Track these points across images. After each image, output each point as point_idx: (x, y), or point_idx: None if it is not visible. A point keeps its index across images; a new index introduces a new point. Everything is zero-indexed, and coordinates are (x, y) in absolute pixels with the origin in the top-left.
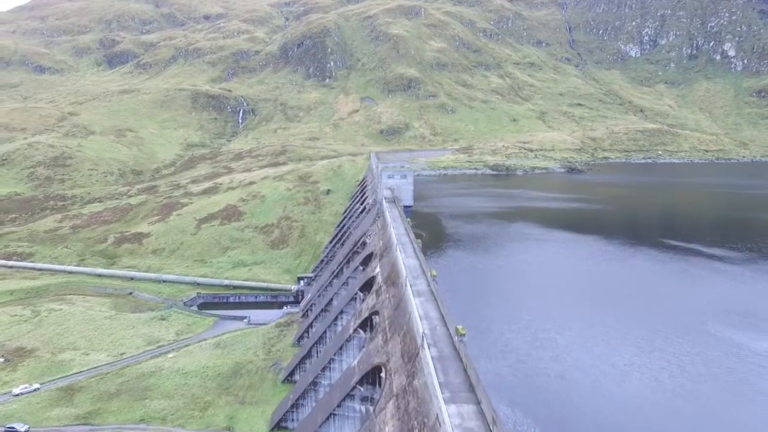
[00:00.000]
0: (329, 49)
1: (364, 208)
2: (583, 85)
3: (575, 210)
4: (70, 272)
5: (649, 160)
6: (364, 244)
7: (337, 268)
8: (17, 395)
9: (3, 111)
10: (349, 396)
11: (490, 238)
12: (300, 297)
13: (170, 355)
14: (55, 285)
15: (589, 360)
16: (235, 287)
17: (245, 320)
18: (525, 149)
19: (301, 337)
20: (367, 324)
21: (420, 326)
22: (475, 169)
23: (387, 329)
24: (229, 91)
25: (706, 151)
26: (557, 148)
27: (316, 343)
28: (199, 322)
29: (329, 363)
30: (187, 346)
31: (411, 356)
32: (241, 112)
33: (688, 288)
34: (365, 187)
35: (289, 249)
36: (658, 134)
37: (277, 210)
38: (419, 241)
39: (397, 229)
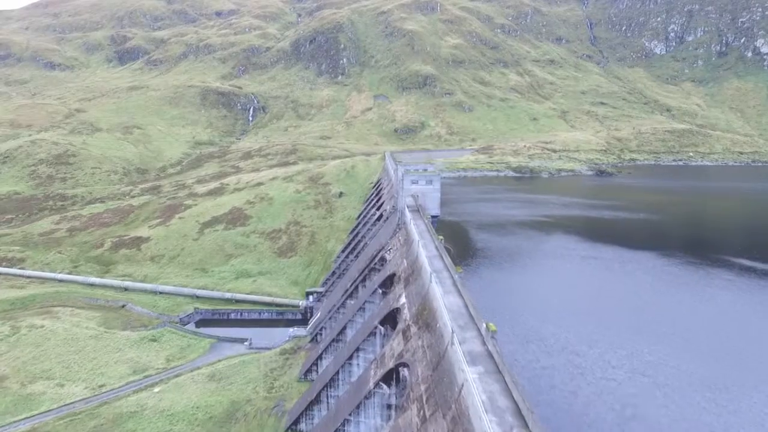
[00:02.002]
0: (342, 46)
1: (381, 215)
2: (605, 83)
3: (618, 220)
4: (61, 281)
5: (680, 163)
6: (383, 260)
7: (350, 286)
8: None
9: (11, 107)
10: None
11: (529, 256)
12: (309, 314)
13: (156, 389)
14: (42, 295)
15: None
16: (237, 301)
17: (246, 343)
18: (548, 150)
19: (309, 371)
20: (392, 377)
21: (487, 426)
22: (497, 170)
23: (424, 400)
24: (240, 88)
25: (741, 153)
26: (581, 148)
27: (326, 386)
28: (194, 345)
29: (343, 425)
30: (177, 376)
31: None
32: (252, 109)
33: None
34: (381, 189)
35: (297, 257)
36: (687, 135)
37: (286, 214)
38: (461, 270)
39: (426, 248)
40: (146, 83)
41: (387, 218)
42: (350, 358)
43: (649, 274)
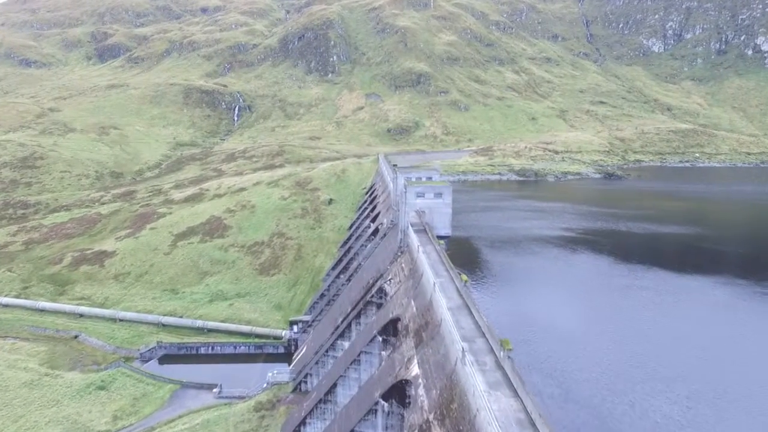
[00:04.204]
0: (332, 42)
1: (377, 229)
2: (604, 81)
3: (649, 234)
4: (6, 306)
5: (687, 164)
6: (382, 292)
7: (342, 322)
8: None
9: None
10: None
11: (561, 287)
12: (293, 347)
13: None
14: None
15: None
16: (209, 331)
17: (215, 390)
18: (549, 151)
19: None
20: None
21: None
22: (499, 174)
23: None
24: (225, 86)
25: (748, 154)
26: (584, 149)
27: None
28: (151, 395)
29: None
30: None
31: None
32: (237, 108)
33: None
34: (375, 197)
35: (281, 275)
36: (692, 135)
37: (269, 224)
38: (510, 347)
39: (446, 293)
40: (126, 81)
41: (385, 235)
42: None
43: (713, 311)
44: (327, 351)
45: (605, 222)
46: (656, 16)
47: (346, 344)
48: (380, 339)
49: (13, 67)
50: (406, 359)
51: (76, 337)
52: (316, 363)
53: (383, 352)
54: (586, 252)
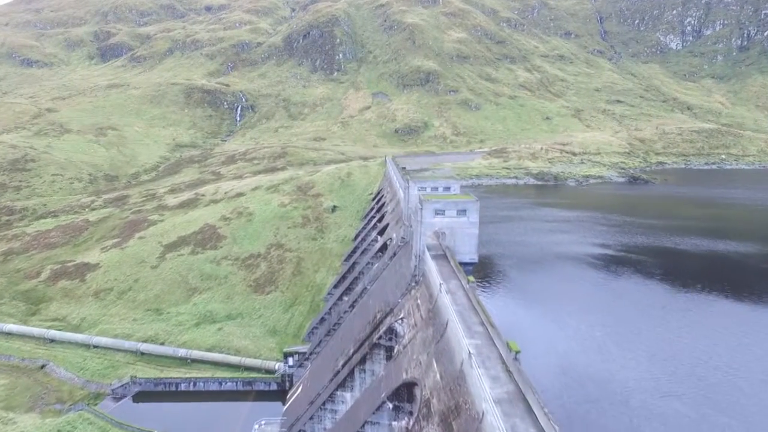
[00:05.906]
0: (338, 40)
1: (385, 245)
2: (620, 79)
3: (708, 252)
4: None
5: (714, 166)
6: (391, 333)
7: (343, 366)
8: None
9: None
10: None
11: (616, 327)
12: (287, 384)
13: None
14: None
15: None
16: (193, 361)
17: None
18: (566, 152)
19: None
20: None
21: None
22: (515, 177)
23: None
24: (227, 85)
25: None
26: (603, 151)
27: None
28: None
29: None
30: None
31: None
32: (240, 108)
33: None
34: (383, 204)
35: (278, 294)
36: (716, 135)
37: (267, 234)
38: None
39: (489, 371)
40: (127, 81)
41: (395, 254)
42: None
43: None
44: (324, 404)
45: (645, 236)
46: (674, 12)
47: (348, 396)
48: (390, 407)
49: (14, 67)
50: None
51: (42, 366)
52: (311, 418)
53: (394, 423)
54: (632, 275)
